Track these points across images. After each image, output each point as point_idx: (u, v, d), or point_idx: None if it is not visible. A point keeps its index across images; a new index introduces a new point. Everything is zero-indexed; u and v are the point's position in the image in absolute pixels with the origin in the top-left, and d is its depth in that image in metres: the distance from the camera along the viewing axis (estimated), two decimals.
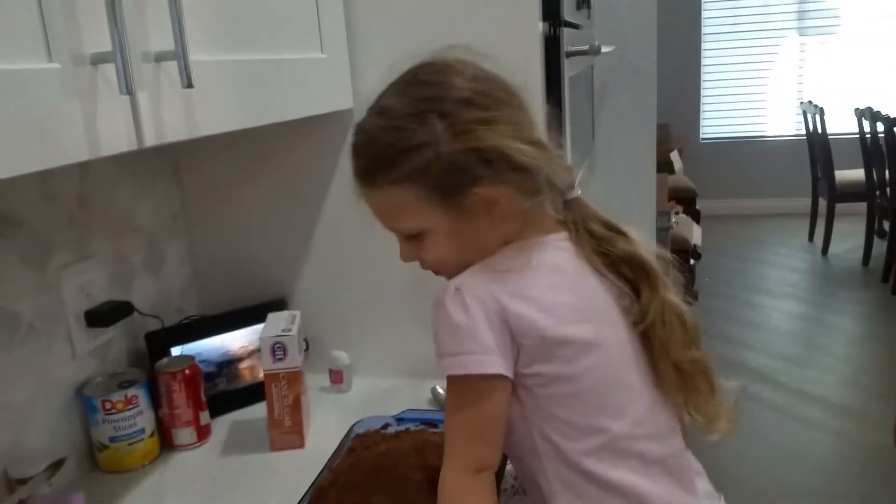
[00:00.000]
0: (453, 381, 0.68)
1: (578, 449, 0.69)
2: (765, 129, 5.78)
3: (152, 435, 1.05)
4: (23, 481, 0.90)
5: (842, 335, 3.57)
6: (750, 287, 4.21)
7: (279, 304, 1.23)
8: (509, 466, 0.85)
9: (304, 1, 1.01)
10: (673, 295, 0.73)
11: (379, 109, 0.71)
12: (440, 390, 1.15)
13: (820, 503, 2.26)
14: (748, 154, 5.74)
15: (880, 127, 4.04)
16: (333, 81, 1.10)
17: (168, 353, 1.13)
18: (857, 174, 4.47)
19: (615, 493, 0.69)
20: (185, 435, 1.07)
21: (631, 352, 0.72)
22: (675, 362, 0.72)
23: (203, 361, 1.13)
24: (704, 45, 5.64)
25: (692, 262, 3.71)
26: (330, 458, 0.92)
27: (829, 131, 4.49)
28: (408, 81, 0.71)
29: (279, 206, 1.25)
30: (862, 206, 4.42)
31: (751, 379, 3.05)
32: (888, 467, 2.41)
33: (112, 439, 1.01)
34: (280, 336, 1.01)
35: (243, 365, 1.20)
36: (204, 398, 1.09)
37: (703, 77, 5.71)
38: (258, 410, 1.16)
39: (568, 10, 1.22)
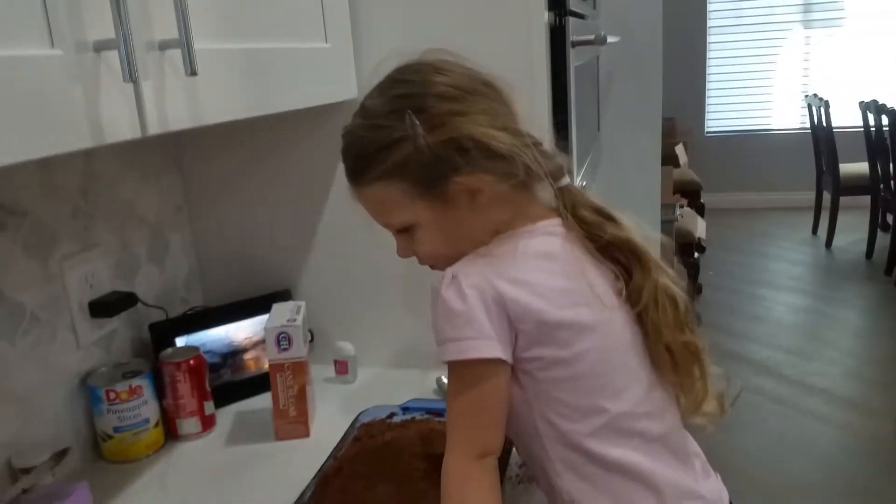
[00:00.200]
0: (453, 368, 0.68)
1: (580, 430, 0.70)
2: (770, 122, 5.76)
3: (157, 425, 1.05)
4: (26, 471, 0.90)
5: (845, 328, 3.57)
6: (754, 280, 4.20)
7: (283, 296, 1.23)
8: (514, 455, 0.85)
9: None
10: (666, 278, 0.74)
11: (361, 111, 0.75)
12: (445, 380, 1.15)
13: (823, 494, 2.26)
14: (753, 147, 5.72)
15: (885, 120, 4.02)
16: (337, 71, 1.09)
17: (172, 344, 1.13)
18: (862, 167, 4.45)
19: (617, 471, 0.70)
20: (189, 425, 1.07)
21: (628, 333, 0.73)
22: (668, 344, 0.73)
23: (207, 352, 1.13)
24: (710, 39, 5.62)
25: (696, 255, 3.71)
26: (335, 448, 0.92)
27: (833, 124, 4.47)
28: (387, 81, 0.74)
29: (283, 197, 1.25)
30: (866, 200, 4.41)
31: (754, 371, 3.05)
32: (891, 459, 2.41)
33: (116, 429, 1.02)
34: (285, 326, 1.01)
35: (248, 356, 1.20)
36: (209, 388, 1.09)
37: (709, 70, 5.69)
38: (263, 401, 1.16)
39: (574, 0, 1.22)
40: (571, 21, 1.15)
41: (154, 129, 0.67)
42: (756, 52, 5.62)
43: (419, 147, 0.69)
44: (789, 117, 5.70)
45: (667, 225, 2.87)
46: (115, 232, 1.11)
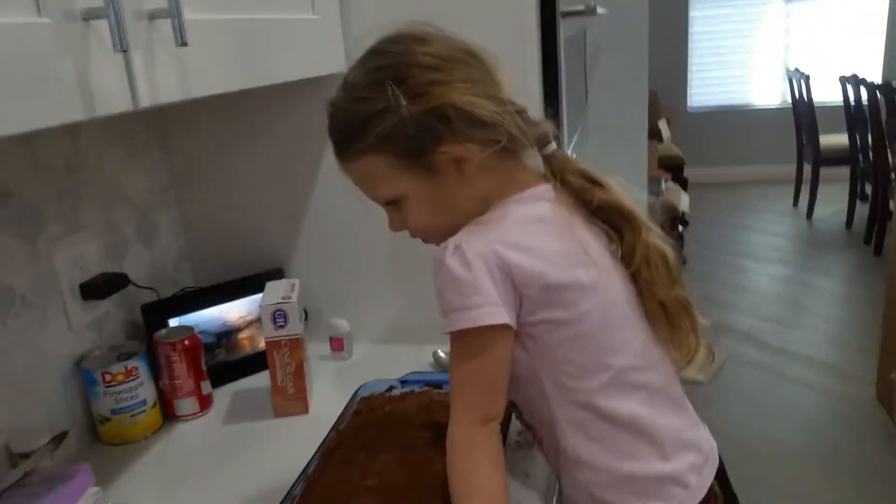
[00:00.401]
0: (460, 336, 0.68)
1: (588, 388, 0.71)
2: (751, 97, 5.79)
3: (154, 406, 1.05)
4: (25, 455, 0.89)
5: (826, 296, 3.63)
6: (737, 252, 4.25)
7: (276, 274, 1.22)
8: (514, 423, 0.86)
9: None
10: (655, 237, 0.75)
11: (343, 84, 0.74)
12: (441, 354, 1.15)
13: (806, 457, 2.31)
14: (735, 122, 5.77)
15: (864, 94, 4.07)
16: (325, 43, 1.08)
17: (165, 325, 1.12)
18: (841, 139, 4.50)
19: (623, 427, 0.72)
20: (187, 405, 1.07)
21: (624, 291, 0.74)
22: (661, 300, 0.74)
23: (201, 332, 1.12)
24: (692, 14, 5.62)
25: (680, 228, 3.74)
26: (336, 421, 0.92)
27: (814, 99, 4.51)
28: (368, 54, 0.74)
29: (271, 175, 1.24)
30: (845, 172, 4.47)
31: (739, 340, 3.10)
32: (872, 422, 2.46)
33: (114, 412, 1.01)
34: (280, 303, 1.00)
35: (242, 335, 1.19)
36: (205, 368, 1.08)
37: (691, 46, 5.70)
38: (259, 380, 1.16)
39: None
40: None
41: (146, 101, 0.66)
42: (737, 27, 5.64)
43: (402, 118, 0.68)
44: (771, 92, 5.74)
45: (652, 198, 2.89)
46: (102, 213, 1.10)
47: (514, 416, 0.83)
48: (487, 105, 0.69)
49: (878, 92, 3.79)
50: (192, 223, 1.29)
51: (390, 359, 1.18)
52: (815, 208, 4.73)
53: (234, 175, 1.25)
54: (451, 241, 0.69)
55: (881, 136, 3.82)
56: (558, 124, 0.98)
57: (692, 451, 0.76)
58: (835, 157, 4.50)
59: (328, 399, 1.06)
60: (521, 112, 0.73)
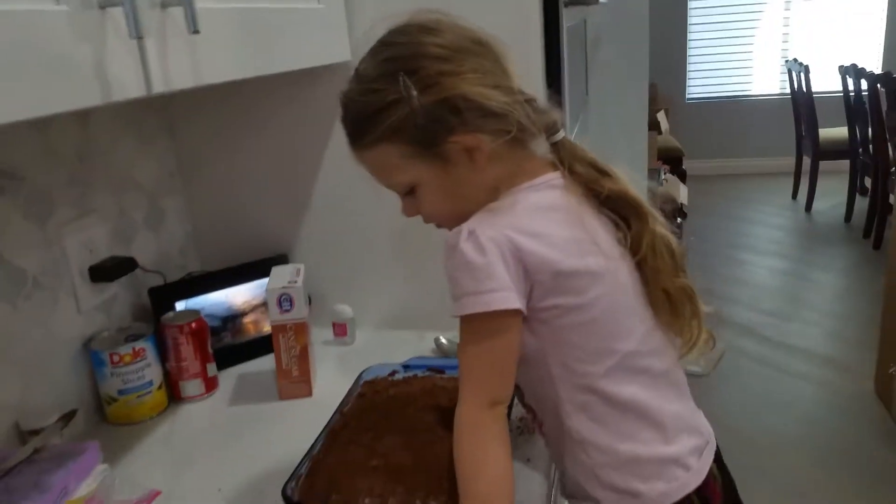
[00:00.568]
0: (472, 319, 0.69)
1: (594, 371, 0.72)
2: (750, 88, 5.79)
3: (160, 387, 1.07)
4: (34, 433, 0.91)
5: (825, 289, 3.65)
6: (735, 244, 4.27)
7: (281, 260, 1.24)
8: (515, 408, 0.88)
9: None
10: (661, 226, 0.77)
11: (355, 76, 0.75)
12: (443, 340, 1.17)
13: (804, 449, 2.33)
14: (733, 113, 5.76)
15: (864, 85, 4.06)
16: (330, 33, 1.09)
17: (172, 308, 1.13)
18: (841, 132, 4.50)
19: (626, 410, 0.74)
20: (192, 387, 1.09)
21: (631, 279, 0.76)
22: (665, 288, 0.76)
23: (207, 316, 1.13)
24: (691, 4, 5.61)
25: (679, 220, 3.75)
26: (340, 404, 0.94)
27: (813, 89, 4.51)
28: (378, 45, 0.74)
29: (277, 161, 1.25)
30: (845, 164, 4.47)
31: (737, 333, 3.12)
32: (869, 414, 2.48)
33: (121, 392, 1.03)
34: (286, 287, 1.02)
35: (247, 319, 1.21)
36: (210, 350, 1.10)
37: (690, 37, 5.69)
38: (264, 363, 1.18)
39: None
40: None
41: (159, 87, 0.68)
42: (736, 18, 5.63)
43: (413, 108, 0.69)
44: (769, 82, 5.73)
45: (654, 185, 2.90)
46: (111, 198, 1.11)
47: (515, 402, 0.85)
48: (497, 95, 0.70)
49: (878, 83, 3.79)
50: (198, 209, 1.31)
51: (392, 344, 1.20)
52: (815, 201, 4.74)
53: (239, 162, 1.26)
54: (465, 227, 0.70)
55: (881, 129, 3.83)
56: (561, 111, 0.99)
57: (693, 435, 0.78)
58: (834, 150, 4.50)
59: (331, 383, 1.08)
60: (530, 101, 0.74)
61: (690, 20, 5.66)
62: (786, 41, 5.64)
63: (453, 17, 0.74)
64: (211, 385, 1.11)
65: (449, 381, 0.97)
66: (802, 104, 4.65)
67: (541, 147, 0.78)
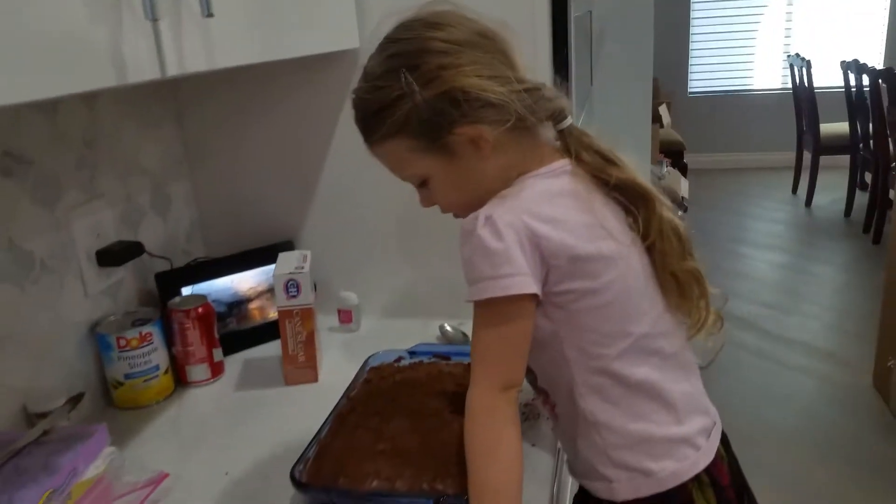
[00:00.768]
0: (488, 304, 0.70)
1: (608, 354, 0.74)
2: (752, 82, 5.78)
3: (166, 372, 1.07)
4: (41, 416, 0.91)
5: (824, 284, 3.66)
6: (735, 238, 4.27)
7: (286, 247, 1.24)
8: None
9: None
10: (668, 211, 0.78)
11: (363, 74, 0.77)
12: (448, 328, 1.18)
13: (803, 442, 2.34)
14: (735, 107, 5.76)
15: (866, 80, 4.06)
16: (339, 19, 1.09)
17: (179, 294, 1.14)
18: (842, 127, 4.50)
19: (639, 391, 0.75)
20: (199, 371, 1.09)
21: (641, 263, 0.77)
22: (673, 272, 0.78)
23: (213, 302, 1.14)
24: None
25: (680, 213, 3.75)
26: (347, 389, 0.95)
27: (815, 84, 4.51)
28: (384, 41, 0.76)
29: (282, 149, 1.25)
30: (845, 159, 4.48)
31: (736, 326, 3.13)
32: (868, 408, 2.49)
33: (127, 376, 1.03)
34: (293, 273, 1.02)
35: (253, 305, 1.22)
36: (217, 336, 1.11)
37: (692, 31, 5.68)
38: (269, 349, 1.19)
39: None
40: None
41: (173, 70, 0.68)
42: (739, 12, 5.62)
43: (416, 104, 0.71)
44: (771, 77, 5.73)
45: (657, 169, 2.90)
46: (118, 183, 1.12)
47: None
48: (494, 86, 0.71)
49: (879, 78, 3.79)
50: (204, 195, 1.31)
51: (397, 332, 1.21)
52: (815, 196, 4.74)
53: (245, 149, 1.26)
54: (482, 213, 0.71)
55: (882, 124, 3.83)
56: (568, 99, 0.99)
57: (702, 415, 0.80)
58: (835, 146, 4.50)
59: (337, 369, 1.09)
60: (535, 89, 0.75)
61: (693, 14, 5.65)
62: (788, 36, 5.64)
63: (461, 10, 0.75)
64: (217, 370, 1.11)
65: (455, 367, 0.98)
66: (804, 99, 4.65)
67: (549, 134, 0.78)
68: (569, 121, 0.77)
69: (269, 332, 1.20)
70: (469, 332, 1.14)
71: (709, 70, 5.79)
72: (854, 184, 4.49)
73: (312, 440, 0.84)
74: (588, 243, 0.71)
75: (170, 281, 1.14)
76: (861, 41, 5.41)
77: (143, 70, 0.64)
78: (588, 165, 0.76)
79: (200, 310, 1.08)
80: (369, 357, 1.02)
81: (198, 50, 0.72)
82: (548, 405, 0.82)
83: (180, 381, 1.10)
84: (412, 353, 1.03)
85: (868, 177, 4.26)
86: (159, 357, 1.05)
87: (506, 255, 0.68)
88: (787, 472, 2.18)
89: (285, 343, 1.05)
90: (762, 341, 3.01)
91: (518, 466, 0.70)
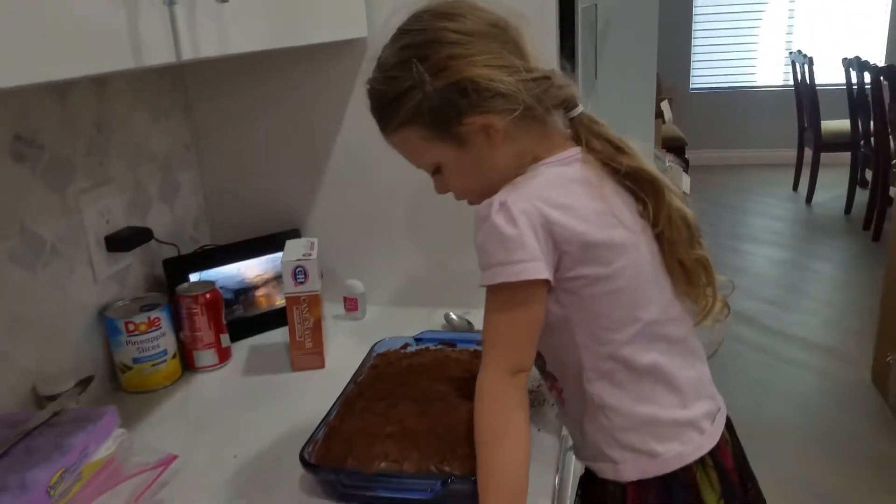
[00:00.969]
0: (501, 289, 0.71)
1: (618, 339, 0.75)
2: (753, 79, 5.79)
3: (174, 357, 1.08)
4: (52, 398, 0.92)
5: (823, 280, 3.67)
6: (736, 234, 4.29)
7: (293, 235, 1.25)
8: None
9: None
10: (677, 199, 0.79)
11: (376, 65, 0.78)
12: (453, 316, 1.18)
13: (801, 437, 2.36)
14: (736, 104, 5.77)
15: (867, 77, 4.07)
16: (348, 8, 1.10)
17: (186, 280, 1.15)
18: (843, 124, 4.51)
19: (646, 374, 0.76)
20: (206, 357, 1.10)
21: (651, 249, 0.78)
22: (681, 260, 0.79)
23: (220, 288, 1.15)
24: None
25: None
26: (354, 374, 0.96)
27: (816, 81, 4.51)
28: (397, 33, 0.77)
29: (290, 137, 1.26)
30: (845, 156, 4.49)
31: (736, 321, 3.14)
32: (866, 403, 2.51)
33: (136, 360, 1.04)
34: (301, 260, 1.03)
35: (259, 293, 1.23)
36: (224, 321, 1.12)
37: (695, 27, 5.68)
38: (275, 336, 1.20)
39: None
40: None
41: (188, 54, 0.69)
42: (741, 9, 5.62)
43: (427, 94, 0.72)
44: (773, 74, 5.73)
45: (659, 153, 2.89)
46: (127, 169, 1.12)
47: None
48: (502, 76, 0.72)
49: (881, 76, 3.79)
50: (211, 183, 1.32)
51: (403, 320, 1.22)
52: (815, 193, 4.76)
53: (252, 137, 1.27)
54: (496, 199, 0.72)
55: (883, 122, 3.84)
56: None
57: (707, 400, 0.81)
58: (836, 143, 4.51)
59: (343, 355, 1.10)
60: (544, 78, 0.75)
61: (696, 10, 5.65)
62: (790, 33, 5.64)
63: (474, 0, 0.76)
64: (224, 355, 1.12)
65: (461, 354, 0.99)
66: (805, 96, 4.66)
67: (561, 123, 0.79)
68: (579, 109, 0.78)
69: (275, 319, 1.21)
70: (474, 321, 1.17)
71: (711, 66, 5.80)
72: (855, 181, 4.51)
73: (321, 423, 0.85)
74: (600, 230, 0.72)
75: (177, 267, 1.15)
76: (863, 39, 5.42)
77: (158, 53, 0.65)
78: (598, 153, 0.77)
79: (208, 295, 1.08)
80: (376, 343, 1.03)
81: (212, 35, 0.73)
82: (555, 390, 0.83)
83: (188, 366, 1.11)
84: (418, 339, 1.04)
85: (869, 174, 4.27)
86: (167, 342, 1.06)
87: (519, 241, 0.69)
88: (785, 464, 2.20)
89: (293, 329, 1.06)
90: (762, 337, 3.02)
91: (525, 449, 0.71)
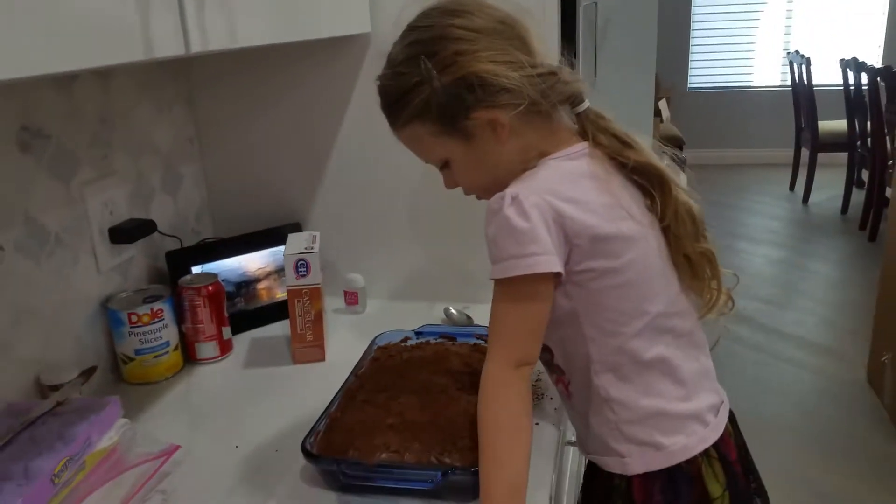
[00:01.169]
0: (512, 282, 0.72)
1: (626, 332, 0.76)
2: (751, 79, 5.80)
3: (176, 349, 1.09)
4: (55, 388, 0.93)
5: (820, 279, 3.69)
6: (733, 233, 4.30)
7: (294, 228, 1.26)
8: None
9: None
10: (683, 193, 0.80)
11: (386, 61, 0.79)
12: (453, 311, 1.19)
13: (796, 435, 2.37)
14: (734, 104, 5.78)
15: (864, 78, 4.09)
16: (351, 3, 1.10)
17: (188, 272, 1.15)
18: (840, 125, 4.53)
19: (652, 367, 0.77)
20: (208, 349, 1.11)
21: (658, 243, 0.79)
22: (687, 253, 0.80)
23: (222, 281, 1.15)
24: None
25: None
26: (355, 367, 0.96)
27: (814, 82, 4.53)
28: (406, 30, 0.78)
29: (292, 132, 1.27)
30: (842, 157, 4.51)
31: (732, 320, 3.10)
32: (861, 402, 2.53)
33: (138, 352, 1.05)
34: (303, 253, 1.04)
35: (261, 285, 1.23)
36: (226, 314, 1.12)
37: (693, 26, 5.69)
38: (277, 329, 1.21)
39: None
40: None
41: (196, 47, 0.69)
42: (739, 9, 5.63)
43: (435, 89, 0.73)
44: (770, 74, 5.75)
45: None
46: (131, 161, 1.13)
47: None
48: (508, 71, 0.73)
49: (878, 77, 3.81)
50: (213, 176, 1.32)
51: (402, 314, 1.22)
52: (812, 193, 4.77)
53: (255, 131, 1.28)
54: (508, 193, 0.72)
55: (880, 123, 3.85)
56: None
57: (711, 393, 0.83)
58: (833, 143, 4.53)
59: (344, 348, 1.10)
60: (550, 74, 0.76)
61: (694, 10, 5.66)
62: (788, 33, 5.66)
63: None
64: (226, 348, 1.13)
65: (462, 347, 1.00)
66: (803, 96, 4.67)
67: (567, 118, 0.80)
68: (585, 104, 0.79)
69: (275, 312, 1.22)
70: (473, 316, 1.17)
71: (709, 66, 5.81)
72: (851, 181, 4.53)
73: (322, 414, 0.85)
74: (609, 223, 0.73)
75: (180, 260, 1.16)
76: (860, 39, 5.44)
77: (168, 46, 0.66)
78: (605, 148, 0.78)
79: (211, 288, 1.09)
80: (376, 337, 1.04)
81: (220, 28, 0.73)
82: (561, 383, 0.84)
83: (189, 357, 1.12)
84: (419, 333, 1.05)
85: (865, 174, 4.29)
86: (170, 334, 1.07)
87: (532, 235, 0.70)
88: (781, 463, 2.21)
89: (294, 322, 1.07)
90: (758, 335, 3.04)
91: (527, 440, 0.72)
